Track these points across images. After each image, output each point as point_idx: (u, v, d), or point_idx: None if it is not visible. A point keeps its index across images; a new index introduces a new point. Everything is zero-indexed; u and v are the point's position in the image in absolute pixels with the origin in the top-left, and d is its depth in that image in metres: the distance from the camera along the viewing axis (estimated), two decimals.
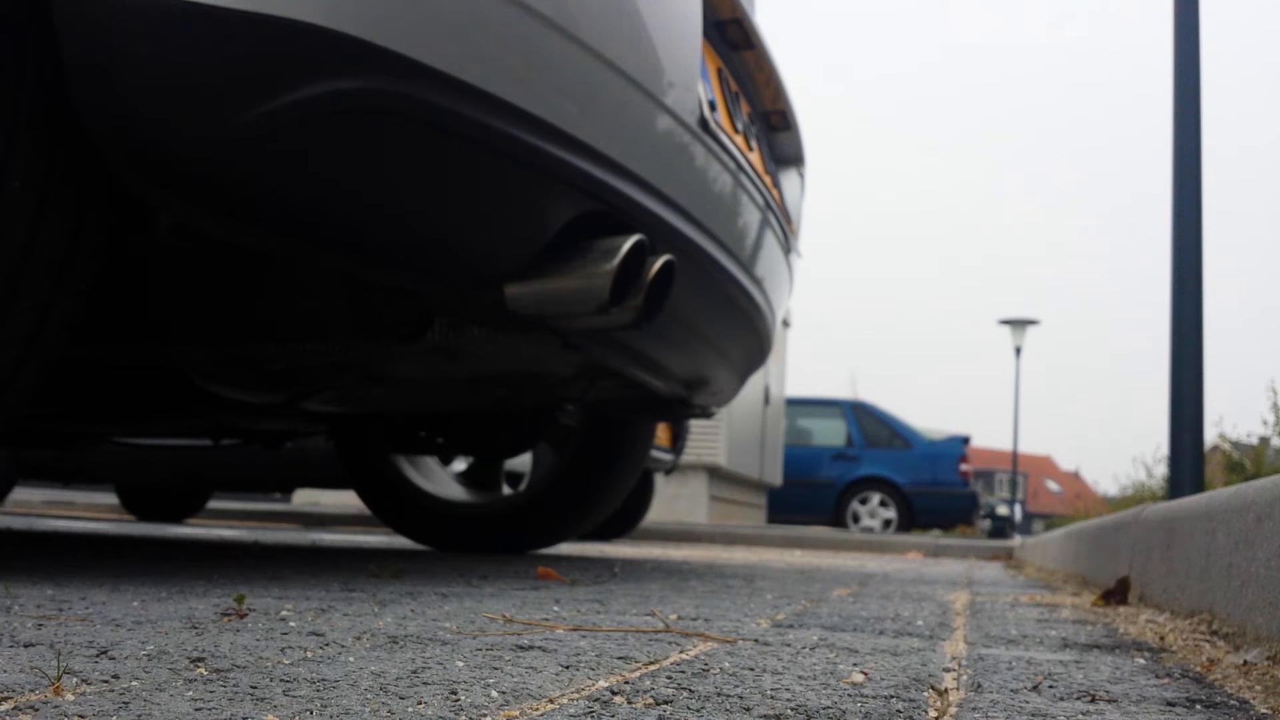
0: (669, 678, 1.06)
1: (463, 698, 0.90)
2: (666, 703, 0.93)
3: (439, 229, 1.86)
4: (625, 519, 6.76)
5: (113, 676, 0.92)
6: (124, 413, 3.34)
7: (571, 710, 0.87)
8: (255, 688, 0.90)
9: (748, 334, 2.96)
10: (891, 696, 1.01)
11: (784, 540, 8.26)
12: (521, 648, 1.24)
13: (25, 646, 1.06)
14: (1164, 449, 10.89)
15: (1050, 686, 1.13)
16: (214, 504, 8.80)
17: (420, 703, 0.87)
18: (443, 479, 4.01)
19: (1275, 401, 8.63)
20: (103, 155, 1.58)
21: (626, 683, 1.02)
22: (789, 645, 1.38)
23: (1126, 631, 1.82)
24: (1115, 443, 58.03)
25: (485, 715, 0.84)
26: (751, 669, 1.15)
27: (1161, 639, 1.68)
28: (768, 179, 2.80)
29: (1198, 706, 1.04)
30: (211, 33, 1.50)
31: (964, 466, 14.54)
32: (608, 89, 1.95)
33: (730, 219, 2.52)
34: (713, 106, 2.34)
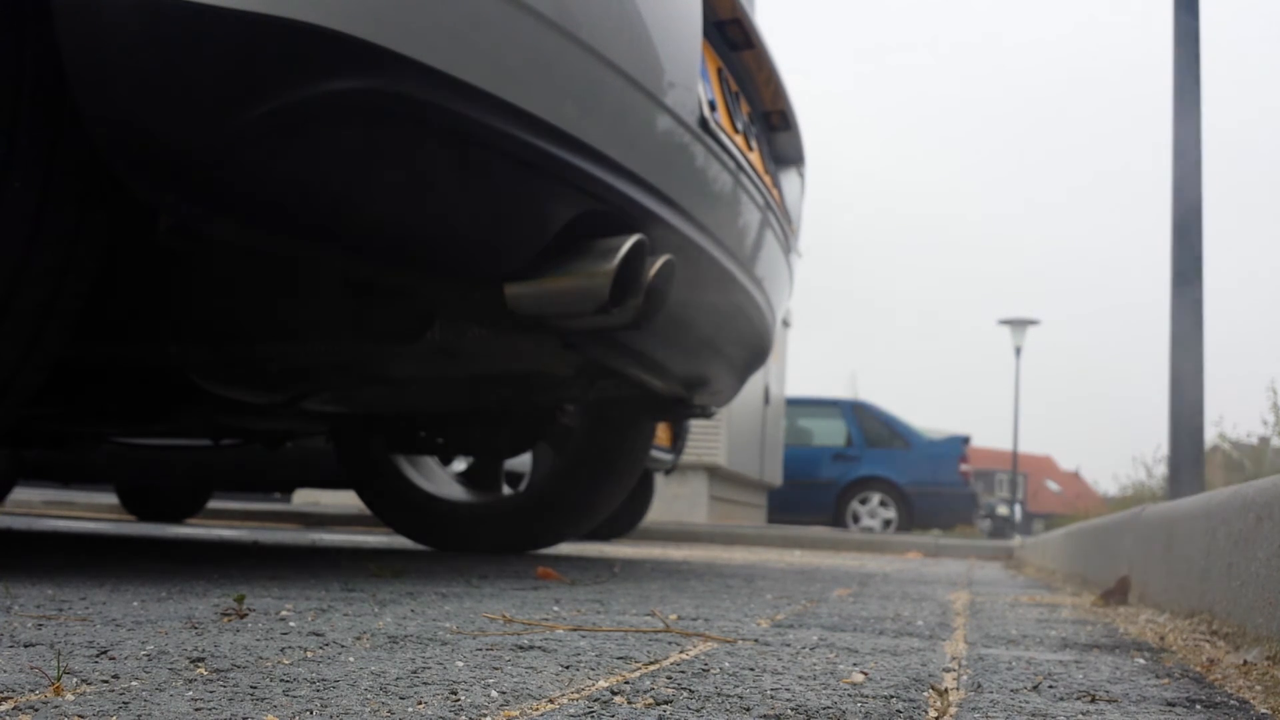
0: (669, 678, 1.06)
1: (463, 698, 0.90)
2: (666, 703, 0.93)
3: (439, 229, 1.86)
4: (625, 519, 6.75)
5: (113, 676, 0.92)
6: (124, 413, 3.34)
7: (571, 710, 0.87)
8: (255, 688, 0.90)
9: (748, 334, 2.96)
10: (891, 696, 1.01)
11: (784, 540, 8.26)
12: (521, 648, 1.24)
13: (25, 646, 1.06)
14: (1164, 449, 10.89)
15: (1050, 686, 1.13)
16: (214, 504, 8.80)
17: (420, 703, 0.87)
18: (443, 479, 4.01)
19: (1275, 401, 8.64)
20: (103, 156, 1.58)
21: (626, 683, 1.02)
22: (789, 645, 1.38)
23: (1126, 631, 1.82)
24: (1115, 443, 57.96)
25: (485, 715, 0.84)
26: (751, 669, 1.15)
27: (1161, 639, 1.68)
28: (768, 179, 2.80)
29: (1198, 706, 1.04)
30: (211, 33, 1.50)
31: (964, 466, 14.54)
32: (607, 89, 1.94)
33: (730, 219, 2.52)
34: (713, 106, 2.34)
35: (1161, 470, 11.27)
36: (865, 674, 1.15)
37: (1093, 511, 11.42)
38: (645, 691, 0.97)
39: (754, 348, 3.12)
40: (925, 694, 1.04)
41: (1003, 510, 23.67)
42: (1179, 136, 5.81)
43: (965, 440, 14.92)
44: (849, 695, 1.01)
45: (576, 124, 1.88)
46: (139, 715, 0.77)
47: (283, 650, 1.12)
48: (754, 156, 2.66)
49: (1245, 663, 1.29)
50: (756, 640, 1.42)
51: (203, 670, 0.97)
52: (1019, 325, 20.45)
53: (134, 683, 0.89)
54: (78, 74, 1.50)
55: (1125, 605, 2.39)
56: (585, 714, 0.86)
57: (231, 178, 1.61)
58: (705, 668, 1.14)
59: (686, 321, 2.55)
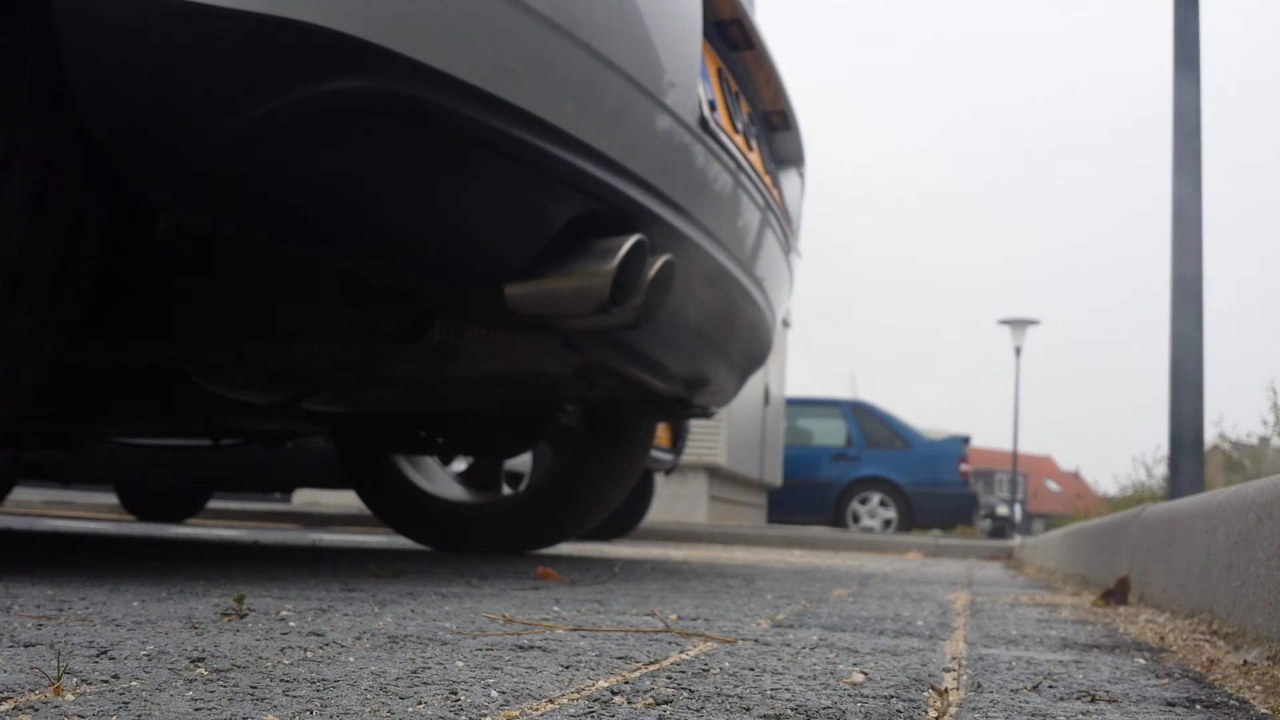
0: (669, 678, 1.06)
1: (463, 698, 0.90)
2: (666, 703, 0.93)
3: (438, 229, 1.86)
4: (625, 519, 6.75)
5: (113, 676, 0.92)
6: (124, 413, 3.34)
7: (571, 710, 0.87)
8: (255, 688, 0.90)
9: (748, 334, 2.96)
10: (891, 696, 1.01)
11: (784, 540, 8.26)
12: (521, 648, 1.24)
13: (25, 646, 1.06)
14: (1164, 449, 10.89)
15: (1050, 686, 1.13)
16: (214, 504, 8.80)
17: (420, 703, 0.87)
18: (443, 479, 4.00)
19: (1275, 401, 8.65)
20: (103, 155, 1.58)
21: (626, 683, 1.02)
22: (789, 645, 1.38)
23: (1126, 631, 1.82)
24: (1115, 443, 57.94)
25: (485, 715, 0.84)
26: (751, 669, 1.15)
27: (1161, 639, 1.68)
28: (768, 179, 2.80)
29: (1198, 706, 1.04)
30: (211, 33, 1.50)
31: (964, 466, 14.53)
32: (608, 89, 1.94)
33: (730, 219, 2.52)
34: (713, 106, 2.34)
35: (1161, 470, 11.27)
36: (865, 674, 1.15)
37: (1093, 511, 11.42)
38: (645, 691, 0.97)
39: (754, 348, 3.12)
40: (925, 694, 1.04)
41: (1003, 510, 23.66)
42: (1178, 135, 5.81)
43: (965, 440, 14.91)
44: (849, 695, 1.01)
45: (576, 124, 1.88)
46: (139, 715, 0.77)
47: (283, 650, 1.12)
48: (754, 156, 2.66)
49: (1245, 663, 1.29)
50: (756, 640, 1.42)
51: (203, 670, 0.97)
52: (1019, 325, 20.45)
53: (134, 683, 0.89)
54: (77, 72, 1.50)
55: (1125, 605, 2.39)
56: (585, 714, 0.86)
57: (231, 178, 1.61)
58: (705, 668, 1.14)
59: (687, 321, 2.55)
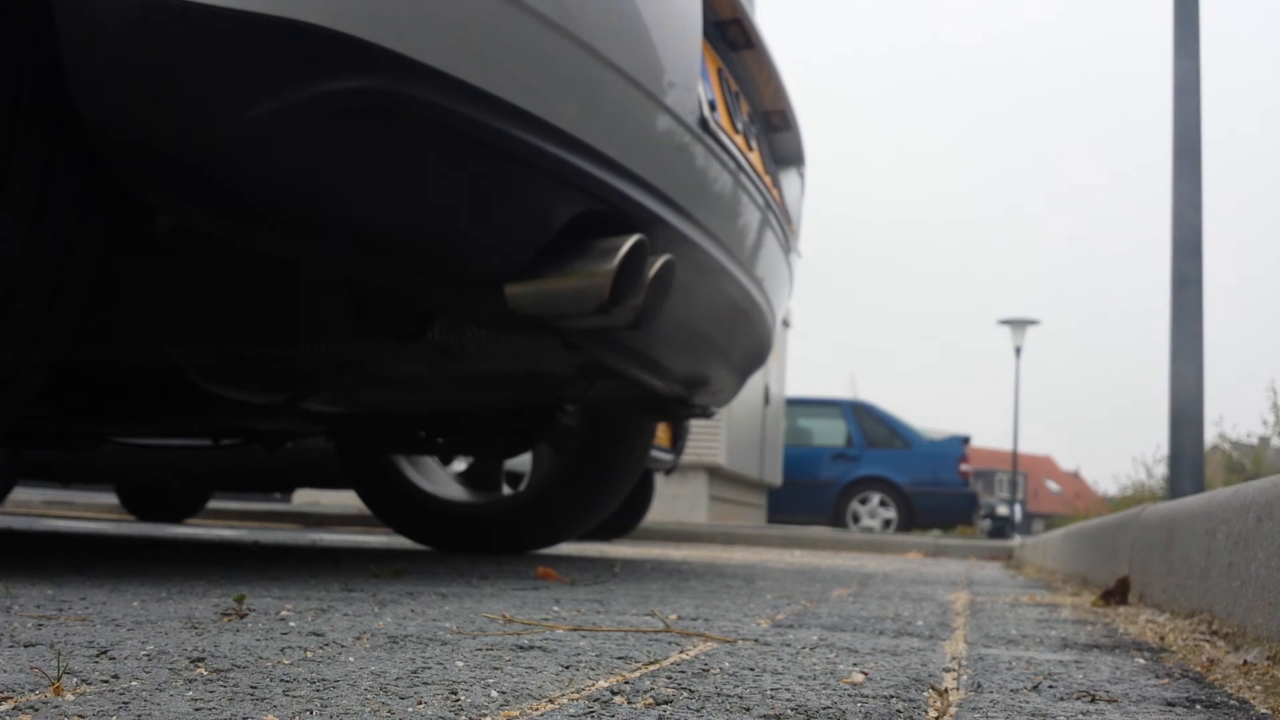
0: (669, 678, 1.06)
1: (463, 698, 0.90)
2: (666, 703, 0.93)
3: (439, 229, 1.86)
4: (625, 519, 6.76)
5: (113, 676, 0.92)
6: (124, 413, 3.34)
7: (571, 710, 0.87)
8: (255, 688, 0.90)
9: (748, 334, 2.96)
10: (891, 696, 1.01)
11: (784, 540, 8.26)
12: (521, 648, 1.24)
13: (25, 646, 1.06)
14: (1164, 449, 10.90)
15: (1050, 686, 1.13)
16: (214, 504, 8.80)
17: (420, 703, 0.87)
18: (443, 479, 4.01)
19: (1275, 401, 8.65)
20: (103, 155, 1.58)
21: (626, 683, 1.02)
22: (789, 645, 1.38)
23: (1126, 631, 1.82)
24: (1115, 443, 58.00)
25: (485, 715, 0.84)
26: (751, 669, 1.15)
27: (1161, 639, 1.68)
28: (768, 179, 2.80)
29: (1198, 706, 1.04)
30: (211, 33, 1.50)
31: (964, 466, 14.53)
32: (608, 89, 1.94)
33: (730, 219, 2.52)
34: (713, 106, 2.34)
35: (1161, 470, 11.28)
36: (865, 674, 1.15)
37: (1093, 511, 11.42)
38: (645, 691, 0.97)
39: (754, 348, 3.12)
40: (925, 694, 1.04)
41: (1003, 510, 23.65)
42: (1179, 138, 5.81)
43: (965, 440, 14.91)
44: (849, 695, 1.01)
45: (576, 124, 1.88)
46: (139, 715, 0.77)
47: (283, 650, 1.12)
48: (754, 156, 2.66)
49: (1245, 663, 1.29)
50: (756, 640, 1.42)
51: (203, 670, 0.97)
52: (1019, 325, 20.46)
53: (134, 683, 0.89)
54: (77, 73, 1.50)
55: (1125, 605, 2.39)
56: (585, 714, 0.86)
57: (231, 178, 1.61)
58: (705, 668, 1.14)
59: (686, 322, 2.55)
